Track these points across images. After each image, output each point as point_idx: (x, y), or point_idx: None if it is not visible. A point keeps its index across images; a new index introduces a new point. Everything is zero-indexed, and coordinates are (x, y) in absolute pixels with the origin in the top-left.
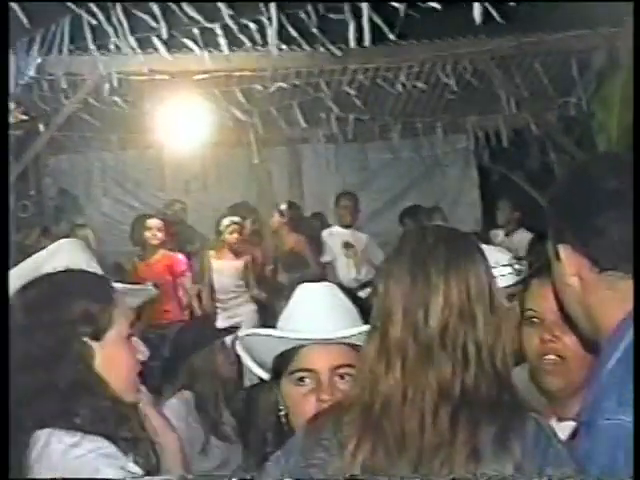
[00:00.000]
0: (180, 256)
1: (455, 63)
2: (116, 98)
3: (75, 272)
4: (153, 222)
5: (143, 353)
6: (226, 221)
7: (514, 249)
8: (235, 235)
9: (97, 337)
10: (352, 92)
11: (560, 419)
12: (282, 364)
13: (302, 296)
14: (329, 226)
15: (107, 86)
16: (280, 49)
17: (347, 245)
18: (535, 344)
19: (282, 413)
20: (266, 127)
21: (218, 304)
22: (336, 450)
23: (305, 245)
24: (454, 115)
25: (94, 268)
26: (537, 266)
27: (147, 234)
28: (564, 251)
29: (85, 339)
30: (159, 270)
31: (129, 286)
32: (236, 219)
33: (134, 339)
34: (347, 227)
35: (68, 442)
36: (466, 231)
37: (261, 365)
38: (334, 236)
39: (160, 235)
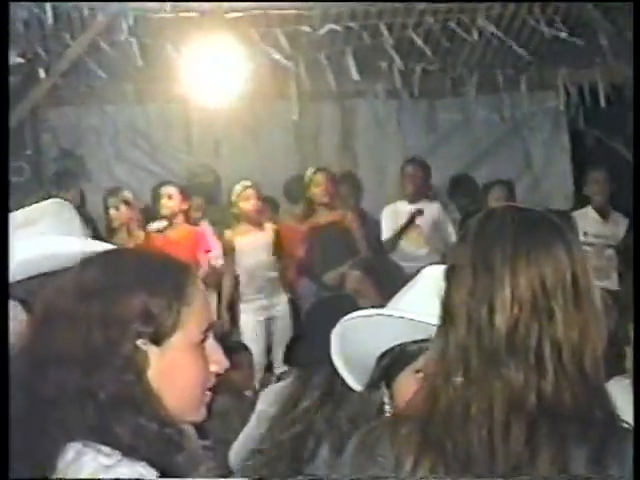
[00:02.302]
0: (206, 230)
1: (545, 3)
2: (132, 39)
3: (143, 255)
4: (167, 189)
5: (220, 363)
6: (238, 187)
7: (609, 235)
8: (252, 201)
9: (157, 341)
10: (418, 38)
11: None
12: (396, 363)
13: (430, 279)
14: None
15: (122, 25)
16: None
17: (409, 224)
18: None
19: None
20: (313, 78)
21: (244, 294)
22: (391, 467)
23: (357, 223)
24: (542, 68)
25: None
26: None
27: (163, 202)
28: None
29: (140, 342)
30: (183, 248)
31: None
32: (248, 182)
33: (210, 344)
34: (412, 202)
35: (103, 462)
36: (541, 210)
37: (355, 365)
38: (398, 214)
39: (175, 204)
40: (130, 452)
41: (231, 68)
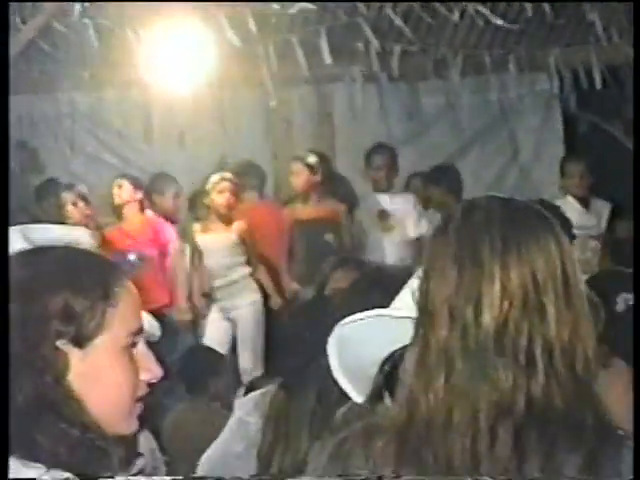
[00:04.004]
0: (166, 223)
1: None
2: (87, 21)
3: (70, 253)
4: (117, 181)
5: (152, 371)
6: (214, 177)
7: (591, 226)
8: (226, 195)
9: (80, 342)
10: (397, 17)
11: None
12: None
13: None
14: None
15: (77, 6)
16: None
17: (382, 215)
18: None
19: None
20: (284, 61)
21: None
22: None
23: (342, 216)
24: (532, 47)
25: None
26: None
27: (113, 192)
28: None
29: (60, 343)
30: (143, 239)
31: None
32: (227, 175)
33: (141, 350)
34: (382, 192)
35: (27, 475)
36: (524, 200)
37: (357, 376)
38: (367, 206)
39: (127, 195)
40: (51, 459)
41: (195, 52)
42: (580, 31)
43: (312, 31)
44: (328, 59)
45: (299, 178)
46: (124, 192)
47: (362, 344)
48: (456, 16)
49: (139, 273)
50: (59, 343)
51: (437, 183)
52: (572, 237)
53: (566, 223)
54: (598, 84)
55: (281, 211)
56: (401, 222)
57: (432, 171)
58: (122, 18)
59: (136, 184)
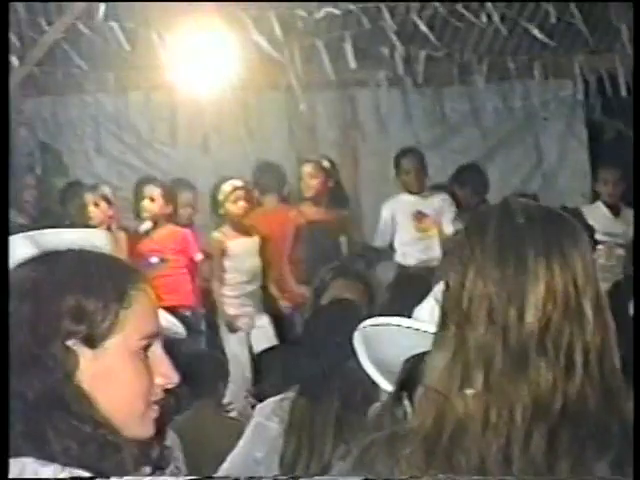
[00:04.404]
0: (192, 234)
1: None
2: (112, 23)
3: (85, 256)
4: (148, 189)
5: (167, 376)
6: (227, 186)
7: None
8: (241, 204)
9: (91, 343)
10: (423, 23)
11: None
12: (415, 373)
13: None
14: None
15: (102, 8)
16: None
17: (419, 216)
18: None
19: None
20: (309, 65)
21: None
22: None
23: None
24: (557, 54)
25: None
26: None
27: (144, 204)
28: None
29: (70, 342)
30: (166, 247)
31: None
32: (239, 183)
33: (156, 354)
34: (415, 194)
35: (44, 474)
36: (559, 209)
37: (384, 370)
38: (401, 206)
39: (160, 205)
40: (62, 456)
41: (220, 55)
42: (605, 38)
43: (337, 36)
44: (353, 64)
45: (314, 180)
46: (156, 205)
47: (384, 345)
48: (482, 21)
49: (160, 273)
50: (70, 342)
51: (462, 184)
52: (595, 243)
53: (589, 230)
54: (623, 91)
55: (291, 214)
56: (436, 223)
57: (457, 172)
58: (147, 20)
59: (168, 197)
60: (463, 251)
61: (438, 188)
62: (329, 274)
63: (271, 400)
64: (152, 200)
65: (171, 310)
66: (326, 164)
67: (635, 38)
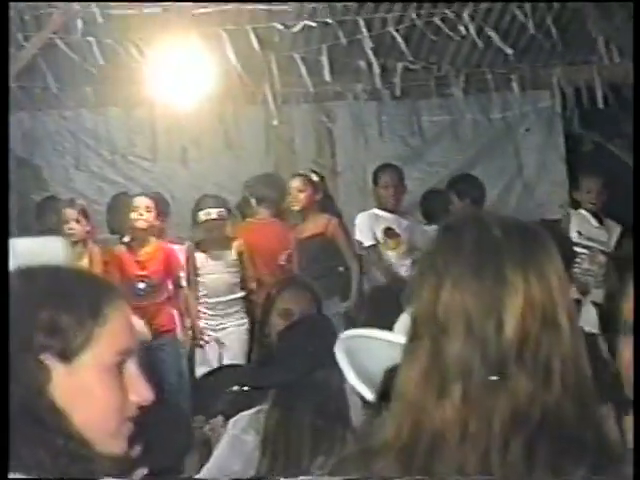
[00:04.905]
0: (176, 247)
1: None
2: (90, 39)
3: (62, 272)
4: (141, 200)
5: (140, 393)
6: (202, 215)
7: (604, 240)
8: (214, 233)
9: (65, 357)
10: (400, 35)
11: None
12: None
13: None
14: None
15: (79, 23)
16: None
17: (389, 233)
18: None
19: None
20: (286, 79)
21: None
22: None
23: (341, 231)
24: (535, 66)
25: None
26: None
27: (133, 215)
28: None
29: (43, 356)
30: (154, 267)
31: None
32: (213, 214)
33: (130, 371)
34: (390, 212)
35: None
36: (531, 222)
37: (365, 379)
38: (377, 220)
39: (149, 217)
40: (34, 467)
41: (198, 69)
42: (582, 50)
43: (314, 49)
44: (328, 76)
45: (301, 195)
46: (148, 217)
47: (366, 355)
48: (459, 34)
49: (147, 300)
50: (43, 357)
51: (461, 195)
52: (574, 255)
53: (567, 241)
54: (600, 103)
55: (283, 229)
56: (407, 241)
57: (454, 182)
58: (125, 36)
59: (160, 211)
60: (437, 263)
61: (434, 193)
62: (277, 285)
63: (245, 413)
64: (148, 211)
65: (156, 336)
66: (315, 177)
67: (635, 38)
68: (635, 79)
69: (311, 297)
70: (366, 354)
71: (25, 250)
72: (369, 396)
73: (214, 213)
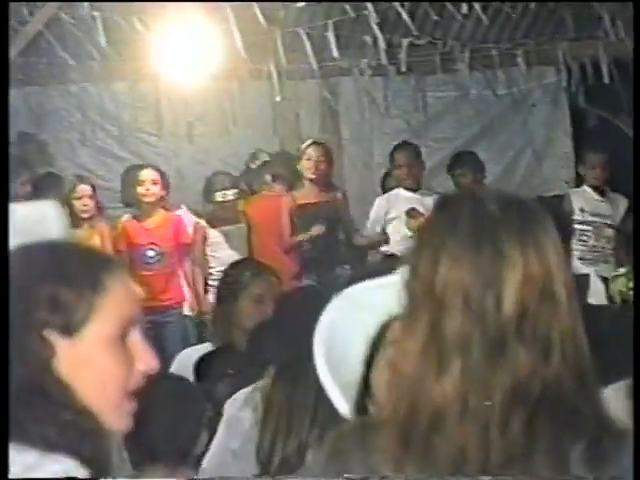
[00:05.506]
0: (185, 216)
1: None
2: (96, 14)
3: (58, 247)
4: (147, 173)
5: (146, 362)
6: (219, 196)
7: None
8: (229, 212)
9: (67, 331)
10: (405, 11)
11: None
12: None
13: None
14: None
15: None
16: None
17: (412, 213)
18: None
19: None
20: (292, 54)
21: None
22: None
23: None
24: (540, 41)
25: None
26: None
27: (140, 189)
28: None
29: (46, 332)
30: (163, 235)
31: None
32: (230, 195)
33: (135, 340)
34: (413, 190)
35: (26, 462)
36: (527, 197)
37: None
38: (398, 201)
39: (156, 190)
40: (40, 442)
41: (204, 45)
42: (588, 25)
43: (320, 25)
44: (335, 52)
45: (322, 165)
46: (156, 188)
47: (347, 342)
48: (463, 10)
49: (157, 268)
50: (45, 332)
51: (464, 172)
52: (572, 230)
53: (568, 216)
54: (606, 78)
55: (287, 199)
56: None
57: (455, 160)
58: (130, 10)
59: (164, 183)
60: (434, 237)
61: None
62: (247, 274)
63: (241, 392)
64: (154, 183)
65: (164, 309)
66: (327, 147)
67: (635, 38)
68: (635, 81)
69: (277, 281)
70: (345, 340)
71: (21, 215)
72: (343, 407)
73: (230, 194)
